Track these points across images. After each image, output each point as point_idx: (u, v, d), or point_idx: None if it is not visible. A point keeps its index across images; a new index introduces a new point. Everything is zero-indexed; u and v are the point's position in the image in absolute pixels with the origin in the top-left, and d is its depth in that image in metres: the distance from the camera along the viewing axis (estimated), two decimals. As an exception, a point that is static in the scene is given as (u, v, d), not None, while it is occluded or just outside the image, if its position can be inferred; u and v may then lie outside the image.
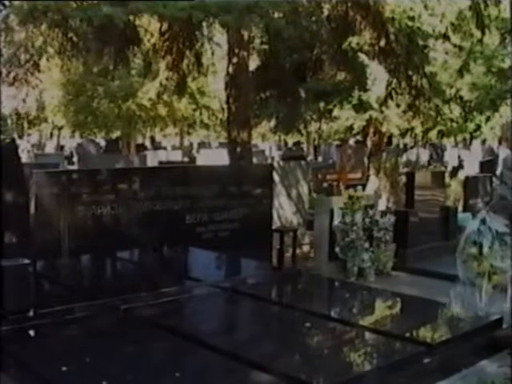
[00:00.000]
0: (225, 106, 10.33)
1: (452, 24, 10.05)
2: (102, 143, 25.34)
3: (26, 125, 29.90)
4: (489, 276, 5.23)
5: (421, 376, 4.27)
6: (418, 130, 18.94)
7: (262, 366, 4.10)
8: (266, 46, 10.77)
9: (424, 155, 24.04)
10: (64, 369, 4.03)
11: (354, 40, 9.86)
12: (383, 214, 7.89)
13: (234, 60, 9.01)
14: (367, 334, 5.01)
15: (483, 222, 5.33)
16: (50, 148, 30.14)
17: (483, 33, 10.55)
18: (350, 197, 7.42)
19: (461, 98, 18.38)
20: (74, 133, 29.42)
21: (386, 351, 4.65)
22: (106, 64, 10.83)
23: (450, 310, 5.82)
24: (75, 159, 20.79)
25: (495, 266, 5.19)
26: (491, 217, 5.34)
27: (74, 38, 8.19)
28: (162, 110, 19.33)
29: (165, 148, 28.63)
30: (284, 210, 9.06)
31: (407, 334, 4.95)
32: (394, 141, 18.67)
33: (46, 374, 4.02)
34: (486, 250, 5.19)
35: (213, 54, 11.16)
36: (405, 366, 4.31)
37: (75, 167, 17.71)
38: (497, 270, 5.23)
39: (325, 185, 12.37)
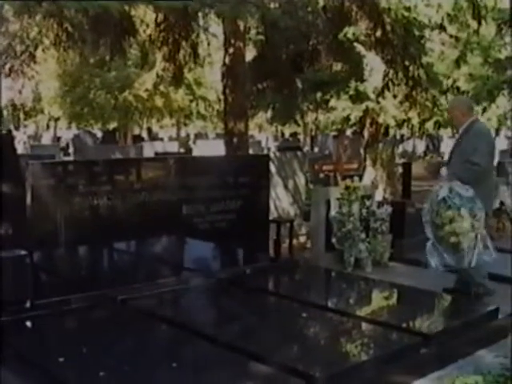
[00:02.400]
0: (221, 97, 10.34)
1: (448, 15, 10.08)
2: (99, 134, 25.31)
3: (22, 116, 29.81)
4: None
5: (418, 366, 4.28)
6: (415, 121, 18.89)
7: (259, 357, 4.09)
8: (262, 37, 10.76)
9: (420, 146, 24.10)
10: (61, 359, 4.03)
11: (350, 30, 9.86)
12: (380, 204, 7.89)
13: (231, 50, 8.99)
14: (364, 325, 5.02)
15: (451, 187, 5.59)
16: (46, 139, 30.09)
17: (479, 23, 10.58)
18: (347, 187, 7.41)
19: (457, 88, 18.32)
20: (70, 124, 29.31)
21: (383, 341, 4.65)
22: (102, 55, 10.84)
23: (447, 300, 5.85)
24: (71, 150, 20.77)
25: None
26: (456, 183, 5.61)
27: (70, 29, 8.19)
28: (159, 101, 19.30)
29: (161, 139, 28.56)
30: (281, 201, 9.06)
31: (404, 325, 4.95)
32: (391, 131, 18.66)
33: (43, 365, 4.02)
34: (463, 211, 5.44)
35: (209, 44, 11.17)
36: (402, 357, 4.31)
37: (71, 158, 17.70)
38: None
39: (321, 175, 12.35)
